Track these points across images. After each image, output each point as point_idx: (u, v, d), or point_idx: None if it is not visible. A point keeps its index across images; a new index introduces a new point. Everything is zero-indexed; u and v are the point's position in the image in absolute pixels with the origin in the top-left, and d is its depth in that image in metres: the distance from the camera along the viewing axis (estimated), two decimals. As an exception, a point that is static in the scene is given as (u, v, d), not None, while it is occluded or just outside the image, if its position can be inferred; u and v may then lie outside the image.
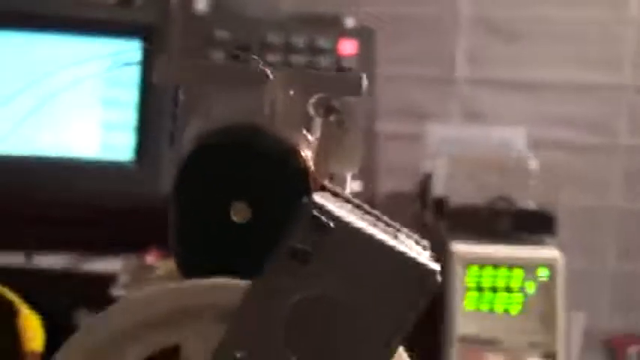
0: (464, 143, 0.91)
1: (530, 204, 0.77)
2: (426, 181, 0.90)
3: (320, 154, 0.39)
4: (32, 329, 0.69)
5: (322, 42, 1.05)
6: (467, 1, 1.18)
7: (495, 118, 1.14)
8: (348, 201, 0.38)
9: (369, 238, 0.34)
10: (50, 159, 0.97)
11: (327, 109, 0.41)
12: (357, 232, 0.34)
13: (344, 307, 0.33)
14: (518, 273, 0.71)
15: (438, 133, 0.94)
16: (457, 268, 0.71)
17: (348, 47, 1.06)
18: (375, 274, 0.33)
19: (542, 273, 0.71)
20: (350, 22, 1.10)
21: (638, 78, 1.16)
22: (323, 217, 0.33)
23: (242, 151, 0.36)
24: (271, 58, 1.03)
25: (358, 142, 0.41)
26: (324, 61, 1.04)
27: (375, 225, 0.36)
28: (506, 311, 0.72)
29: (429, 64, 1.18)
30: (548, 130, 1.15)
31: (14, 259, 0.91)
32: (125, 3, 1.09)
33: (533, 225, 0.76)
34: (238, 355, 0.34)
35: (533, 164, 0.81)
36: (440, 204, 0.81)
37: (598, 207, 1.16)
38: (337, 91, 0.37)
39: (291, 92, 0.37)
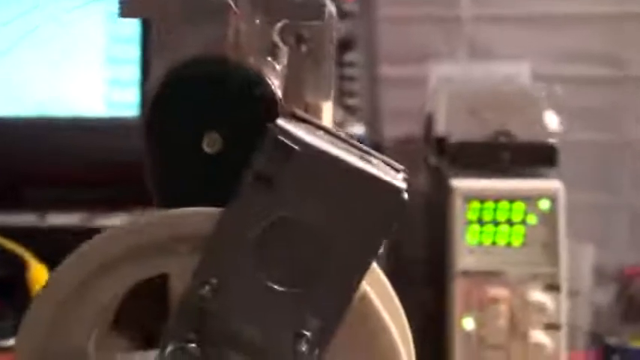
0: (466, 81, 0.90)
1: (532, 137, 0.77)
2: (429, 121, 0.90)
3: (290, 82, 0.39)
4: (43, 282, 0.71)
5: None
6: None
7: (502, 54, 1.13)
8: (319, 127, 0.38)
9: (336, 160, 0.34)
10: (56, 118, 0.98)
11: (297, 39, 0.40)
12: (323, 155, 0.34)
13: (314, 229, 0.34)
14: (519, 206, 0.71)
15: (440, 72, 0.93)
16: (458, 204, 0.71)
17: (347, -10, 1.05)
18: (343, 196, 0.34)
19: (544, 204, 0.71)
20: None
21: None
22: (287, 141, 0.33)
23: (209, 83, 0.36)
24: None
25: (330, 71, 0.41)
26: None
27: (345, 149, 0.36)
28: (508, 244, 0.72)
29: (433, 3, 1.16)
30: (557, 63, 1.14)
31: (26, 218, 0.92)
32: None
33: (534, 158, 0.76)
34: (213, 281, 0.34)
35: (536, 96, 0.80)
36: (441, 142, 0.80)
37: (611, 140, 1.15)
38: (300, 17, 0.37)
39: (257, 21, 0.37)
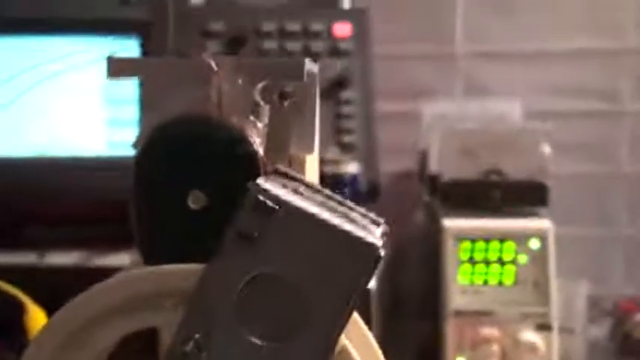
0: (459, 119, 0.91)
1: (523, 175, 0.78)
2: (422, 159, 0.91)
3: (274, 137, 0.41)
4: (40, 326, 0.72)
5: (316, 26, 1.06)
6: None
7: (497, 91, 1.14)
8: (300, 182, 0.39)
9: (313, 218, 0.35)
10: (58, 159, 0.99)
11: (280, 95, 0.42)
12: (301, 213, 0.35)
13: (293, 284, 0.35)
14: (509, 245, 0.72)
15: (433, 109, 0.94)
16: (449, 243, 0.72)
17: (342, 30, 1.06)
18: (321, 252, 0.35)
19: (534, 244, 0.72)
20: (346, 4, 1.11)
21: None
22: (266, 200, 0.34)
23: (193, 141, 0.37)
24: (267, 45, 1.05)
25: (313, 124, 0.43)
26: (319, 45, 1.05)
27: (323, 205, 0.37)
28: (499, 283, 0.72)
29: (428, 40, 1.18)
30: (553, 98, 1.15)
31: (26, 258, 0.93)
32: (123, 1, 1.11)
33: (525, 196, 0.77)
34: (196, 336, 0.35)
35: (528, 135, 0.82)
36: (433, 180, 0.81)
37: (606, 173, 1.16)
38: (280, 77, 0.38)
39: (239, 81, 0.38)
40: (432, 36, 1.18)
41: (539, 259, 0.72)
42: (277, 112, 0.41)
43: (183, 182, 0.38)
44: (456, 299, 0.72)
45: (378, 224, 0.39)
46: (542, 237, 0.72)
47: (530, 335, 0.70)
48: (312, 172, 0.45)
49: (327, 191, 0.40)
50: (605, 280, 1.13)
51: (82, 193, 0.97)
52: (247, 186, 0.35)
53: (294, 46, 1.05)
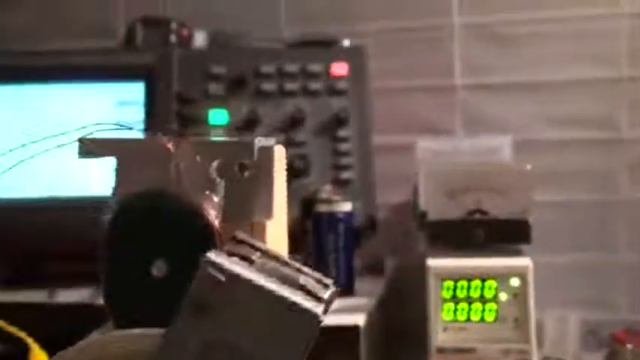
0: (450, 155, 0.94)
1: (505, 214, 0.80)
2: (415, 194, 0.94)
3: (235, 206, 0.44)
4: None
5: (314, 67, 1.10)
6: (460, 10, 1.21)
7: (496, 122, 1.17)
8: (258, 249, 0.43)
9: (258, 288, 0.38)
10: (69, 199, 1.04)
11: (240, 167, 0.45)
12: (247, 284, 0.38)
13: (242, 351, 0.38)
14: (491, 283, 0.75)
15: (425, 145, 0.97)
16: (432, 282, 0.75)
17: (339, 69, 1.10)
18: (267, 320, 0.38)
19: (514, 282, 0.75)
20: (346, 43, 1.15)
21: (635, 70, 1.17)
22: (215, 273, 0.38)
23: (154, 215, 0.41)
24: (266, 86, 1.09)
25: (271, 192, 0.46)
26: (317, 85, 1.09)
27: (275, 272, 0.41)
28: (481, 320, 0.75)
29: (427, 74, 1.21)
30: (550, 128, 1.18)
31: (37, 296, 0.98)
32: (127, 46, 1.16)
33: (508, 234, 0.79)
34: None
35: (510, 174, 0.84)
36: (422, 218, 0.84)
37: (606, 201, 1.17)
38: (233, 156, 0.42)
39: (197, 159, 0.42)
40: (431, 70, 1.21)
41: (520, 296, 0.74)
42: (237, 184, 0.44)
43: (146, 252, 0.41)
44: (439, 336, 0.75)
45: (327, 287, 0.42)
46: (522, 275, 0.74)
47: (510, 372, 0.72)
48: (274, 236, 0.48)
49: (283, 257, 0.43)
50: (607, 307, 1.15)
51: (91, 233, 1.01)
52: (200, 259, 0.39)
53: (292, 86, 1.09)
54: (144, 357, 0.40)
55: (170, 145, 0.41)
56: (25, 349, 0.76)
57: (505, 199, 0.81)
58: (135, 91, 1.07)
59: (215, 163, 0.42)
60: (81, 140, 0.43)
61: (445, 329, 0.75)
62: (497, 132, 1.07)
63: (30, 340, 0.76)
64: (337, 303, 0.86)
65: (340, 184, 1.04)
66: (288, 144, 1.09)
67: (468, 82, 1.20)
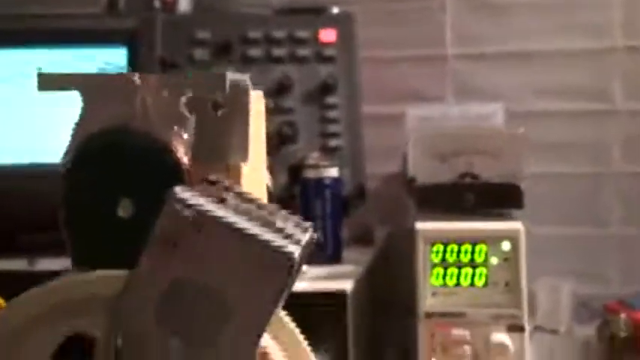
0: (438, 122, 0.92)
1: (497, 178, 0.78)
2: (404, 162, 0.92)
3: (209, 146, 0.42)
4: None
5: (302, 33, 1.07)
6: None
7: (487, 93, 1.15)
8: (231, 190, 0.40)
9: (229, 226, 0.36)
10: (46, 165, 1.01)
11: (213, 105, 0.43)
12: (217, 221, 0.36)
13: (211, 290, 0.36)
14: (481, 247, 0.72)
15: (415, 113, 0.95)
16: (421, 246, 0.73)
17: (327, 36, 1.07)
18: (238, 260, 0.36)
19: (505, 246, 0.72)
20: (335, 9, 1.12)
21: (628, 39, 1.15)
22: (182, 209, 0.36)
23: (118, 152, 0.39)
24: (253, 52, 1.06)
25: (246, 133, 0.43)
26: (305, 52, 1.06)
27: (249, 213, 0.38)
28: (471, 285, 0.73)
29: (418, 43, 1.19)
30: (542, 99, 1.15)
31: (17, 264, 0.95)
32: (110, 10, 1.12)
33: (499, 199, 0.77)
34: (119, 341, 0.36)
35: (502, 138, 0.82)
36: (410, 183, 0.82)
37: (599, 173, 1.15)
38: (203, 89, 0.39)
39: (165, 94, 0.39)
40: (422, 39, 1.19)
41: (511, 260, 0.72)
42: (211, 123, 0.42)
43: (111, 191, 0.39)
44: (428, 301, 0.72)
45: (306, 230, 0.40)
46: (514, 239, 0.72)
47: (501, 336, 0.70)
48: (253, 180, 0.46)
49: (260, 200, 0.40)
50: (599, 281, 1.13)
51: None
52: (167, 195, 0.36)
53: (279, 52, 1.06)
54: (110, 298, 0.37)
55: (136, 79, 0.39)
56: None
57: (497, 162, 0.79)
58: (118, 57, 1.04)
59: (184, 98, 0.39)
60: (39, 73, 0.40)
61: (434, 294, 0.73)
62: (488, 102, 1.05)
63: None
64: (324, 270, 0.85)
65: (328, 152, 1.02)
66: (275, 111, 1.08)
67: (459, 51, 1.18)
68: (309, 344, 0.85)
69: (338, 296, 0.76)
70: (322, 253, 0.87)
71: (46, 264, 0.97)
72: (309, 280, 0.79)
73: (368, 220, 1.06)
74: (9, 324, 0.38)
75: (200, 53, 1.06)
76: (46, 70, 0.40)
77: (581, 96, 1.15)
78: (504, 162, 0.79)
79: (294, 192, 0.93)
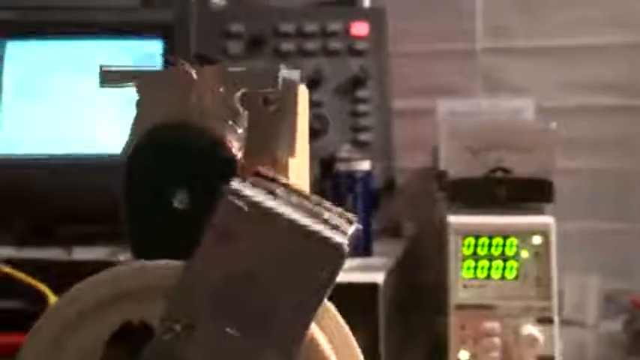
0: (469, 116, 0.93)
1: (528, 173, 0.79)
2: (435, 156, 0.93)
3: (258, 141, 0.43)
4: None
5: (334, 26, 1.08)
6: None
7: (517, 87, 1.15)
8: (279, 184, 0.42)
9: (281, 218, 0.37)
10: (84, 156, 1.04)
11: (264, 100, 0.44)
12: (271, 213, 0.37)
13: (264, 281, 0.37)
14: (512, 241, 0.74)
15: (446, 107, 0.96)
16: (453, 239, 0.74)
17: (359, 29, 1.09)
18: (289, 250, 0.37)
19: (536, 240, 0.73)
20: (366, 2, 1.13)
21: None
22: (237, 201, 0.37)
23: (175, 146, 0.40)
24: (286, 46, 1.08)
25: (294, 129, 0.45)
26: (336, 45, 1.07)
27: (298, 205, 0.40)
28: (502, 278, 0.74)
29: (448, 37, 1.19)
30: (572, 94, 1.16)
31: (54, 253, 0.97)
32: (145, 3, 1.14)
33: (530, 193, 0.78)
34: (177, 327, 0.38)
35: (533, 132, 0.83)
36: (441, 177, 0.83)
37: (627, 169, 1.16)
38: (257, 85, 0.41)
39: (220, 89, 0.41)
40: (451, 33, 1.19)
41: (542, 254, 0.73)
42: (261, 118, 0.43)
43: (168, 184, 0.41)
44: (459, 294, 0.74)
45: (351, 222, 0.41)
46: (545, 233, 0.73)
47: (530, 329, 0.71)
48: (297, 175, 0.47)
49: (306, 192, 0.42)
50: (627, 276, 1.13)
51: (108, 193, 1.00)
52: (221, 188, 0.38)
53: (312, 45, 1.07)
54: (165, 289, 0.39)
55: (193, 74, 0.40)
56: (43, 299, 0.76)
57: (528, 157, 0.80)
58: (153, 49, 1.06)
59: (239, 93, 0.41)
60: (102, 68, 0.42)
61: (465, 286, 0.74)
62: (518, 97, 1.06)
63: (48, 291, 0.76)
64: (355, 262, 0.86)
65: (359, 146, 1.03)
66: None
67: (489, 45, 1.18)
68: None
69: (370, 288, 0.77)
70: (353, 246, 0.88)
71: (82, 253, 0.99)
72: (341, 272, 0.80)
73: (398, 214, 1.07)
74: (65, 312, 0.40)
75: (234, 47, 1.08)
76: (105, 64, 0.42)
77: (612, 91, 1.16)
78: (535, 157, 0.80)
79: (325, 187, 0.94)
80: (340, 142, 1.02)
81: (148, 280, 0.40)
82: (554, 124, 0.82)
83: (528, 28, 1.18)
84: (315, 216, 0.39)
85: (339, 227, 0.39)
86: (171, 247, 0.40)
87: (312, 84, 1.06)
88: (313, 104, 1.05)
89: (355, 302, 0.80)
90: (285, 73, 0.42)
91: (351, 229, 0.40)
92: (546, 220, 0.74)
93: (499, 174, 0.80)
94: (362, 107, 1.06)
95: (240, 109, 0.41)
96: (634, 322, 0.90)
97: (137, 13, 1.09)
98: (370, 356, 0.82)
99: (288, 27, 1.08)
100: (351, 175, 0.92)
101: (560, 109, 1.14)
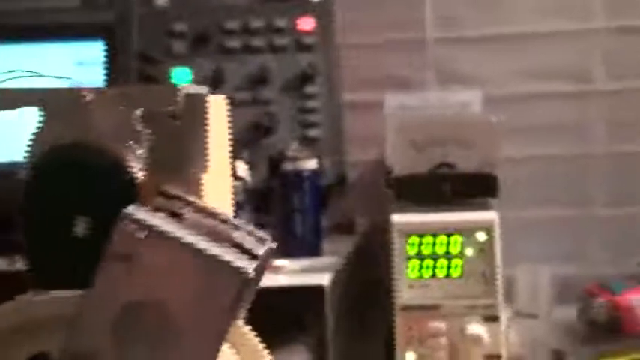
0: (418, 110, 0.92)
1: (473, 168, 0.78)
2: (383, 151, 0.92)
3: (168, 157, 0.41)
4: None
5: (280, 22, 1.06)
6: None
7: (468, 77, 1.14)
8: (188, 203, 0.40)
9: (181, 244, 0.36)
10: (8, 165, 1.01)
11: (170, 115, 0.43)
12: (169, 239, 0.36)
13: (165, 308, 0.36)
14: (456, 239, 0.73)
15: (393, 101, 0.95)
16: (397, 239, 0.73)
17: (306, 24, 1.07)
18: (190, 276, 0.36)
19: (480, 236, 0.73)
20: (314, -1, 1.11)
21: (609, 20, 1.14)
22: (133, 226, 0.36)
23: (73, 170, 0.39)
24: (231, 43, 1.06)
25: (205, 143, 0.43)
26: (283, 41, 1.05)
27: (204, 229, 0.38)
28: (447, 276, 0.73)
29: (398, 28, 1.18)
30: (524, 82, 1.15)
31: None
32: (86, 4, 1.12)
33: (475, 188, 0.77)
34: (75, 360, 0.37)
35: (477, 126, 0.82)
36: (388, 174, 0.82)
37: (582, 154, 1.15)
38: (156, 103, 0.39)
39: (118, 108, 0.39)
40: (401, 24, 1.18)
41: (486, 250, 0.72)
42: (168, 135, 0.42)
43: (67, 209, 0.39)
44: (404, 294, 0.73)
45: (264, 241, 0.40)
46: (488, 229, 0.72)
47: (476, 327, 0.70)
48: (215, 191, 0.46)
49: (220, 214, 0.40)
50: (583, 262, 1.13)
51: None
52: (119, 213, 0.36)
53: (258, 42, 1.05)
54: (64, 319, 0.37)
55: (88, 94, 0.38)
56: None
57: (472, 151, 0.79)
58: (94, 51, 1.04)
59: (138, 112, 0.39)
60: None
61: (410, 286, 0.73)
62: (470, 86, 1.04)
63: None
64: (303, 263, 0.85)
65: (308, 142, 1.02)
66: (254, 102, 1.07)
67: (440, 35, 1.17)
68: (290, 337, 0.85)
69: (315, 290, 0.76)
70: (302, 246, 0.87)
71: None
72: (288, 274, 0.79)
73: (349, 209, 1.06)
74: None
75: (178, 46, 1.05)
76: (8, 78, 0.40)
77: (564, 77, 1.15)
78: (479, 151, 0.79)
79: (273, 184, 0.93)
80: (289, 139, 1.01)
81: (49, 310, 0.38)
82: (496, 117, 0.82)
83: (478, 17, 1.17)
84: (222, 237, 0.38)
85: (250, 249, 0.38)
86: (72, 276, 0.38)
87: (260, 81, 1.04)
88: (261, 102, 1.03)
89: (303, 305, 0.79)
90: (188, 88, 0.40)
91: (262, 250, 0.39)
92: (490, 215, 0.73)
93: (444, 170, 0.79)
94: (310, 103, 1.04)
95: (140, 129, 0.39)
96: (588, 311, 0.90)
97: (76, 14, 1.07)
98: (320, 357, 0.82)
99: (233, 24, 1.06)
100: (298, 175, 0.91)
101: (513, 96, 1.13)
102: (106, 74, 1.03)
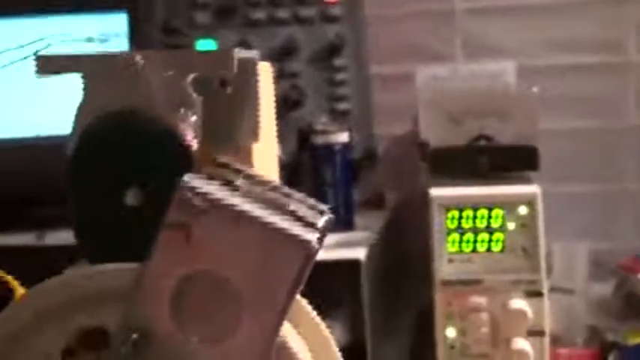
0: (449, 83, 0.89)
1: (511, 140, 0.76)
2: (415, 124, 0.89)
3: (218, 126, 0.40)
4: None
5: (306, -8, 1.04)
6: None
7: (497, 48, 1.11)
8: (242, 173, 0.38)
9: (244, 215, 0.34)
10: (53, 138, 0.99)
11: (220, 82, 0.41)
12: (230, 210, 0.34)
13: (226, 281, 0.34)
14: (497, 212, 0.71)
15: (425, 73, 0.92)
16: (436, 213, 0.71)
17: (332, -6, 1.04)
18: (252, 248, 0.34)
19: (522, 210, 0.71)
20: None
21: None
22: (193, 198, 0.34)
23: (123, 138, 0.37)
24: (257, 15, 1.03)
25: (257, 112, 0.41)
26: (309, 12, 1.03)
27: (262, 198, 0.36)
28: (488, 251, 0.71)
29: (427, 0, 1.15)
30: (556, 53, 1.12)
31: (25, 238, 0.94)
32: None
33: (514, 161, 0.75)
34: (134, 336, 0.35)
35: (516, 98, 0.79)
36: (423, 147, 0.80)
37: (613, 128, 1.13)
38: (209, 69, 0.37)
39: (170, 73, 0.37)
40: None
41: (528, 225, 0.71)
42: (218, 102, 0.40)
43: (117, 180, 0.37)
44: (444, 269, 0.71)
45: (322, 212, 0.38)
46: (531, 203, 0.70)
47: (519, 302, 0.69)
48: (264, 160, 0.44)
49: (272, 182, 0.39)
50: (614, 237, 1.11)
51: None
52: (177, 183, 0.34)
53: (284, 14, 1.03)
54: (120, 293, 0.36)
55: (139, 59, 0.36)
56: (9, 294, 0.72)
57: (510, 123, 0.76)
58: (118, 23, 1.02)
59: (190, 78, 0.37)
60: (38, 56, 0.38)
61: (450, 261, 0.71)
62: (500, 58, 1.02)
63: (15, 284, 0.73)
64: (337, 237, 0.84)
65: (337, 115, 1.00)
66: (281, 75, 1.05)
67: (468, 5, 1.14)
68: (325, 313, 0.83)
69: (352, 265, 0.74)
70: (335, 220, 0.85)
71: (55, 238, 0.95)
72: (323, 249, 0.77)
73: (379, 183, 1.04)
74: (19, 318, 0.37)
75: (202, 17, 1.03)
76: (44, 48, 0.38)
77: (595, 48, 1.12)
78: (518, 123, 0.77)
79: (303, 159, 0.91)
80: (318, 112, 0.99)
81: (102, 285, 0.36)
82: (534, 88, 0.79)
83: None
84: (282, 209, 0.36)
85: (309, 220, 0.36)
86: (125, 248, 0.36)
87: (287, 53, 1.02)
88: (288, 75, 1.01)
89: (338, 279, 0.78)
90: (241, 53, 0.38)
91: (322, 221, 0.37)
92: (532, 189, 0.71)
93: (481, 142, 0.76)
94: (339, 76, 1.02)
95: (193, 95, 0.38)
96: (623, 287, 0.88)
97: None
98: (356, 332, 0.80)
99: (258, -6, 1.03)
100: (329, 148, 0.89)
101: (543, 68, 1.11)
102: (130, 46, 1.01)
